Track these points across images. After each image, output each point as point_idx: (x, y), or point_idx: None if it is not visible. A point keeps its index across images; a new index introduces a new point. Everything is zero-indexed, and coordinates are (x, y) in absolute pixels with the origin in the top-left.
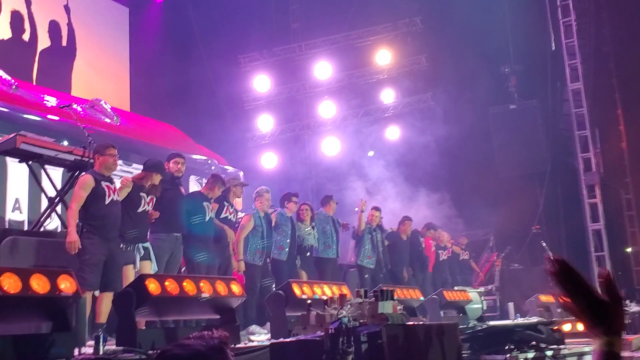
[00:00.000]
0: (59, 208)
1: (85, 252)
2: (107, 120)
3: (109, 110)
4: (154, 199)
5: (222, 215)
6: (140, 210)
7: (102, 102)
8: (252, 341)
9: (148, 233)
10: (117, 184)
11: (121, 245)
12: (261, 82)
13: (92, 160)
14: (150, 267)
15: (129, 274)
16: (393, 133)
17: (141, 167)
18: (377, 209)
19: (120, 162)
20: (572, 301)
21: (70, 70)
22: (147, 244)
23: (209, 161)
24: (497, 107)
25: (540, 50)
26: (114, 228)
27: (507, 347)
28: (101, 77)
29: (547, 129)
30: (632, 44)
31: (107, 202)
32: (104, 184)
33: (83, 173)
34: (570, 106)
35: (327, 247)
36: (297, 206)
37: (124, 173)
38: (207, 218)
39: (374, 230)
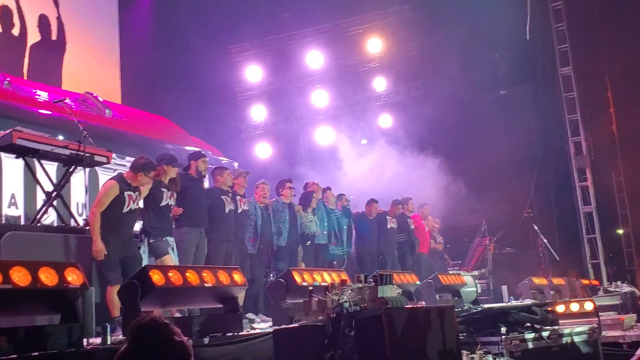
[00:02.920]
0: (56, 202)
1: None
2: (99, 113)
3: (101, 103)
4: (175, 194)
5: (240, 209)
6: (163, 204)
7: (94, 96)
8: (255, 329)
9: (172, 226)
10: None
11: (150, 240)
12: (253, 73)
13: (88, 155)
14: (171, 261)
15: (167, 264)
16: (385, 121)
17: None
18: (329, 188)
19: (114, 155)
20: None
21: (61, 64)
22: (172, 239)
23: (203, 152)
24: (488, 93)
25: (531, 36)
26: (127, 232)
27: (502, 329)
28: (91, 70)
29: (538, 113)
30: (621, 27)
31: (124, 210)
32: (126, 193)
33: (110, 177)
34: (561, 90)
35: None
36: (292, 191)
37: (117, 167)
38: (227, 210)
39: (332, 211)
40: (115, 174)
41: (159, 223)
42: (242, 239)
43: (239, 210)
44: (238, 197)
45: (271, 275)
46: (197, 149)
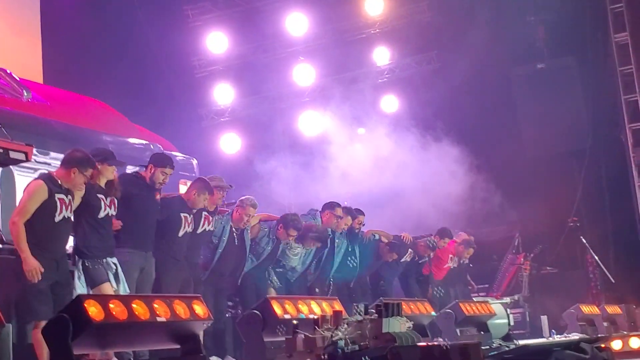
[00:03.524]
0: None
1: (26, 279)
2: (15, 96)
3: (17, 83)
4: (115, 202)
5: (201, 229)
6: (101, 215)
7: (8, 73)
8: None
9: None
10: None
11: (86, 264)
12: (216, 41)
13: (0, 151)
14: (110, 291)
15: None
16: (389, 104)
17: (61, 156)
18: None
19: (34, 151)
20: None
21: None
22: (115, 259)
23: (151, 146)
24: (521, 68)
25: None
26: (59, 248)
27: None
28: (2, 40)
29: (586, 93)
30: None
31: (57, 219)
32: (57, 196)
33: (35, 177)
34: (615, 63)
35: None
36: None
37: (40, 166)
38: (182, 233)
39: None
40: (40, 173)
41: (97, 240)
42: (196, 263)
43: (199, 231)
44: (204, 214)
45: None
46: (143, 142)
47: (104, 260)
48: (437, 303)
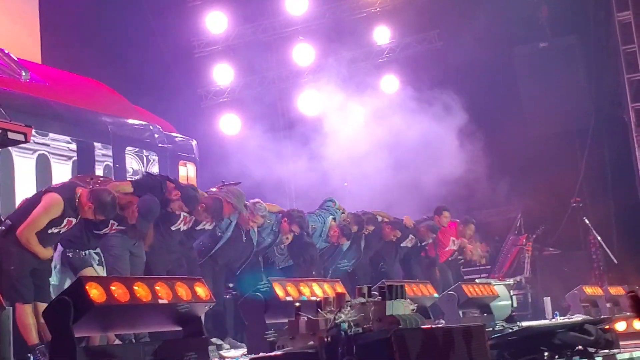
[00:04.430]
0: None
1: (10, 262)
2: (14, 76)
3: (15, 63)
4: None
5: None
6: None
7: (5, 53)
8: (224, 358)
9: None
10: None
11: (68, 253)
12: (216, 21)
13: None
14: (95, 273)
15: None
16: (390, 83)
17: (60, 137)
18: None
19: (33, 131)
20: None
21: None
22: (98, 250)
23: (151, 127)
24: (523, 47)
25: None
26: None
27: (546, 354)
28: (1, 19)
29: (589, 72)
30: None
31: (54, 231)
32: (68, 218)
33: (57, 188)
34: (618, 42)
35: None
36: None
37: (38, 147)
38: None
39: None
40: (64, 183)
41: (84, 238)
42: (190, 247)
43: (198, 227)
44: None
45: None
46: (142, 123)
47: (87, 252)
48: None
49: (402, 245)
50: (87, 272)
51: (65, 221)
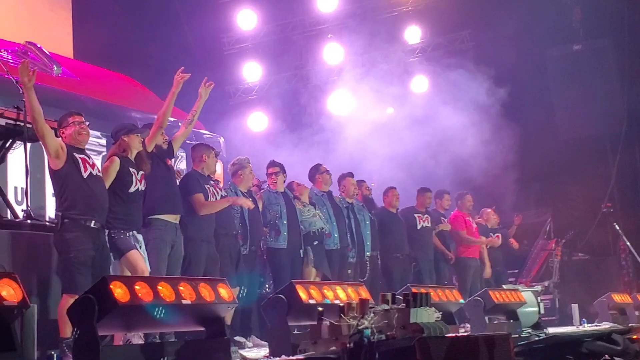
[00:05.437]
0: None
1: (69, 250)
2: (45, 71)
3: (47, 57)
4: (144, 177)
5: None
6: (132, 190)
7: (38, 47)
8: (246, 358)
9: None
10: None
11: (112, 234)
12: (246, 18)
13: (29, 126)
14: (140, 259)
15: (136, 261)
16: (420, 84)
17: (90, 132)
18: (349, 175)
19: None
20: None
21: None
22: (140, 237)
23: (179, 123)
24: (556, 49)
25: None
26: (101, 212)
27: None
28: (35, 14)
29: (623, 76)
30: None
31: (85, 175)
32: (77, 155)
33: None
34: None
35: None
36: (281, 177)
37: None
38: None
39: (349, 205)
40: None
41: (124, 214)
42: (233, 234)
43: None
44: (212, 182)
45: (266, 286)
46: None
47: (130, 232)
48: (492, 282)
49: (419, 227)
50: (132, 254)
51: (78, 158)
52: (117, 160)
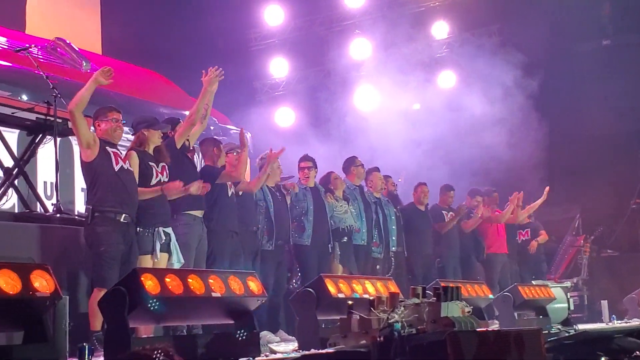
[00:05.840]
0: (17, 182)
1: (100, 243)
2: (75, 67)
3: (77, 53)
4: (166, 167)
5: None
6: (154, 182)
7: (67, 43)
8: (275, 352)
9: (169, 212)
10: None
11: (138, 230)
12: (273, 14)
13: (60, 121)
14: (166, 261)
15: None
16: (447, 79)
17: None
18: (376, 169)
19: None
20: None
21: (24, 1)
22: (169, 230)
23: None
24: (585, 44)
25: None
26: (131, 206)
27: (603, 359)
28: (64, 10)
29: None
30: None
31: (116, 168)
32: (109, 148)
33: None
34: None
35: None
36: (313, 172)
37: None
38: (230, 193)
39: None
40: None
41: (148, 207)
42: (253, 232)
43: (240, 193)
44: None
45: (294, 280)
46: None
47: (156, 229)
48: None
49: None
50: (143, 259)
51: (110, 152)
52: (135, 155)
